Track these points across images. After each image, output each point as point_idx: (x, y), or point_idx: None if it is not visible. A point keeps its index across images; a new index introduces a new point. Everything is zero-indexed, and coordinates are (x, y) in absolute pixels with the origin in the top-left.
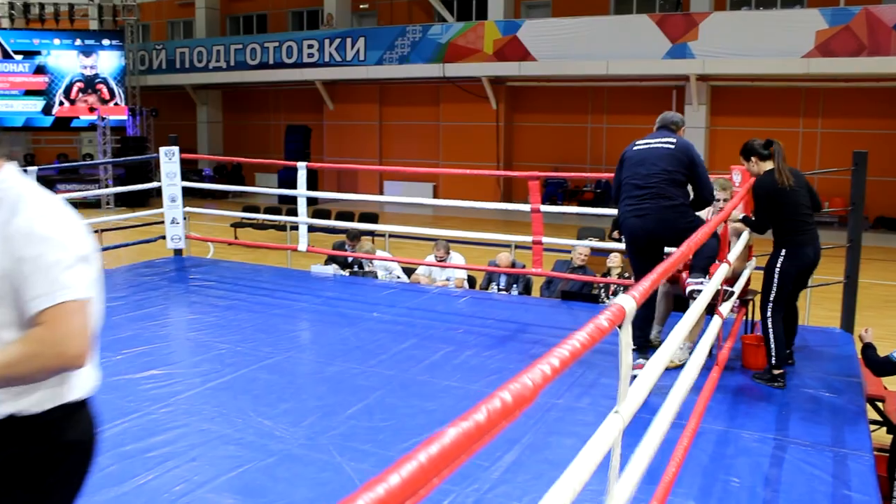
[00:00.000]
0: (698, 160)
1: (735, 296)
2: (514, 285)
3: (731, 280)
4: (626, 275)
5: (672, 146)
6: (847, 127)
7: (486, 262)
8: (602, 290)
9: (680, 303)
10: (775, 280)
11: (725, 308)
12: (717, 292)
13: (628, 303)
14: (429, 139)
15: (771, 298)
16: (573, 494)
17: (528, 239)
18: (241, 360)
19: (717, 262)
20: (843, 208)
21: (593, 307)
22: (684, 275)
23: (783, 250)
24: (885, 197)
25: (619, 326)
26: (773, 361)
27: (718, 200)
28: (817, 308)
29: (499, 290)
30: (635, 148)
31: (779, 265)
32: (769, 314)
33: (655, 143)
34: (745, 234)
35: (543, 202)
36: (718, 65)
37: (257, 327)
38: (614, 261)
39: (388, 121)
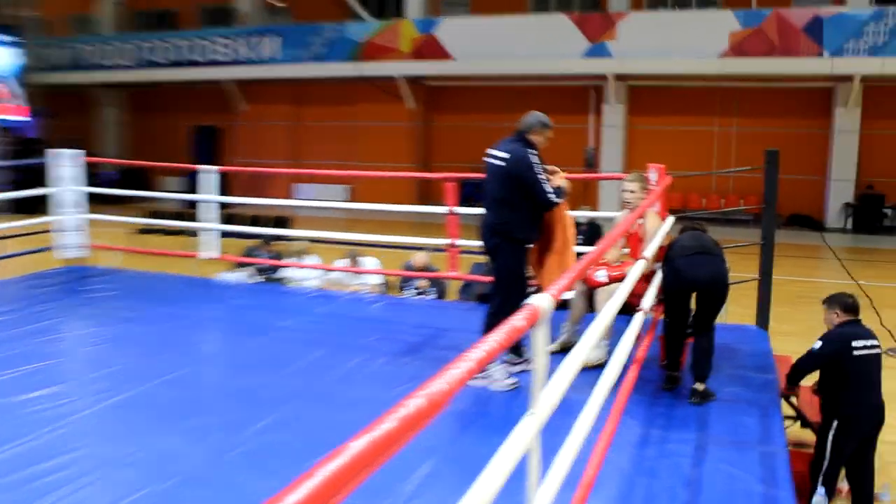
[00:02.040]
0: (527, 174)
1: (653, 294)
2: (430, 289)
3: (647, 276)
4: None
5: (503, 163)
6: (761, 126)
7: (400, 266)
8: None
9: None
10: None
11: (647, 303)
12: (638, 294)
13: (544, 302)
14: (345, 140)
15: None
16: (489, 501)
17: (445, 242)
18: (141, 375)
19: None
20: (756, 206)
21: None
22: (593, 273)
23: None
24: (799, 195)
25: (535, 327)
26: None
27: (625, 192)
28: (733, 305)
29: (413, 293)
30: (486, 157)
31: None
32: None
33: (495, 155)
34: (662, 231)
35: (461, 204)
36: (636, 64)
37: (161, 340)
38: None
39: (303, 121)
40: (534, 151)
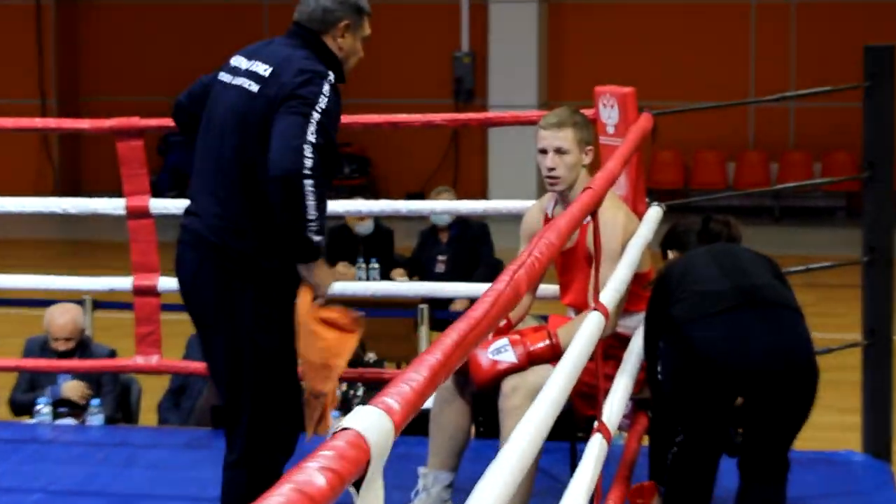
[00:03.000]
0: (294, 125)
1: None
2: (100, 400)
3: (611, 347)
4: (371, 357)
5: (258, 84)
6: None
7: (20, 347)
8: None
9: (491, 413)
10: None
11: (611, 414)
12: (592, 386)
13: (374, 424)
14: None
15: (674, 440)
16: None
17: (124, 285)
18: None
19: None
20: (853, 176)
21: None
22: (485, 352)
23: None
24: None
25: (358, 486)
26: None
27: (545, 153)
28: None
29: (53, 412)
30: (220, 75)
31: (659, 371)
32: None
33: (244, 70)
34: (639, 239)
35: (163, 191)
36: None
37: None
38: None
39: None
40: (332, 78)
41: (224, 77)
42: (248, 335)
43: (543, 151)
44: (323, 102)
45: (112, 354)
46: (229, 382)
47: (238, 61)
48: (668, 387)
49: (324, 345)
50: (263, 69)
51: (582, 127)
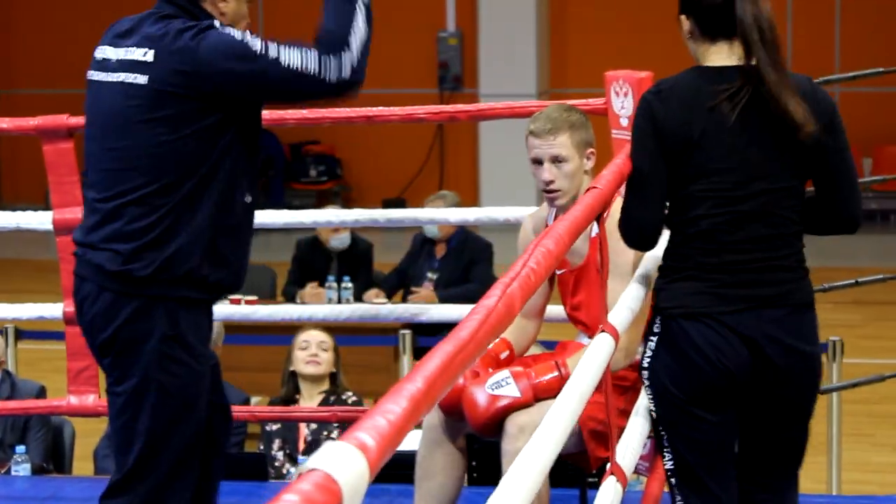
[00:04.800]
0: (220, 73)
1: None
2: (25, 447)
3: (629, 378)
4: (349, 396)
5: (145, 74)
6: None
7: None
8: (279, 441)
9: (487, 456)
10: (653, 411)
11: (627, 456)
12: (605, 423)
13: (346, 464)
14: None
15: (666, 465)
16: None
17: (53, 311)
18: None
19: None
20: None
21: (254, 489)
22: (480, 387)
23: (655, 322)
24: None
25: None
26: None
27: (539, 163)
28: (857, 441)
29: None
30: (90, 74)
31: (646, 366)
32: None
33: (116, 62)
34: (652, 262)
35: None
36: None
37: None
38: None
39: None
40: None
41: (96, 75)
42: (153, 377)
43: (538, 162)
44: (247, 44)
45: (41, 393)
46: (125, 438)
47: (104, 52)
48: (659, 385)
49: None
50: (142, 54)
51: (579, 127)
